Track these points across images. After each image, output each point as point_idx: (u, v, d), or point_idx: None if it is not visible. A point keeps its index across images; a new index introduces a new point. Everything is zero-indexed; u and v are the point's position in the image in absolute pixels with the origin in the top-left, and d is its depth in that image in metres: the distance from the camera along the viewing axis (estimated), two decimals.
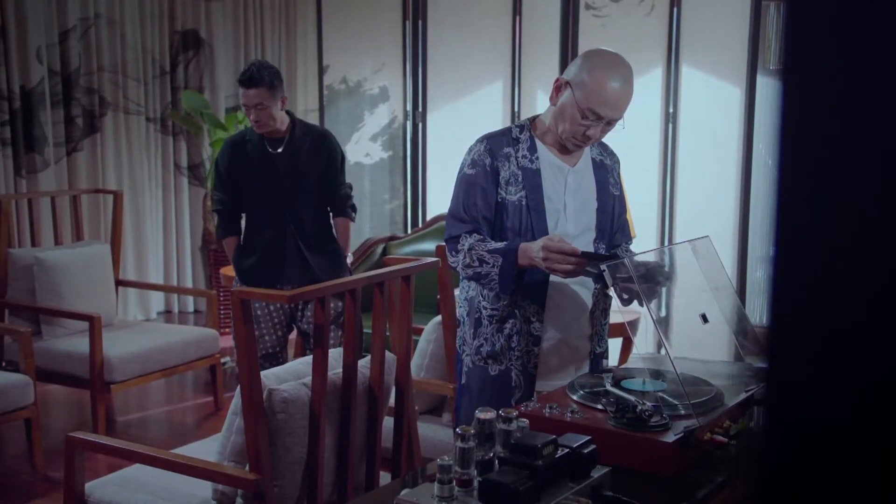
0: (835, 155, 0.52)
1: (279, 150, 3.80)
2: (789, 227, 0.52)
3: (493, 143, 2.30)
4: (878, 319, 0.51)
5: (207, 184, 6.27)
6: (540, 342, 2.30)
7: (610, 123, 2.24)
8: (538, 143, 2.32)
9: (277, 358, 3.83)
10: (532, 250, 2.13)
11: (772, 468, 0.55)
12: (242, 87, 3.71)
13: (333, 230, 3.95)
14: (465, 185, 2.29)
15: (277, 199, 3.79)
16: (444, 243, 2.38)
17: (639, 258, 2.11)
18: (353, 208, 3.97)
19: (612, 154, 2.47)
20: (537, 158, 2.30)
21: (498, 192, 2.27)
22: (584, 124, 2.21)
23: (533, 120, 2.38)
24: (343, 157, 3.96)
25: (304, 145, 3.83)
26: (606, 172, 2.41)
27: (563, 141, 2.28)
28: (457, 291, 2.50)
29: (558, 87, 2.27)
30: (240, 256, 3.88)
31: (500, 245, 2.22)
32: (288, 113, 3.84)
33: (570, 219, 2.31)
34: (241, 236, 3.94)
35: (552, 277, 2.26)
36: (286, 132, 3.81)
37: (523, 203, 2.26)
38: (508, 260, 2.18)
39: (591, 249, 2.33)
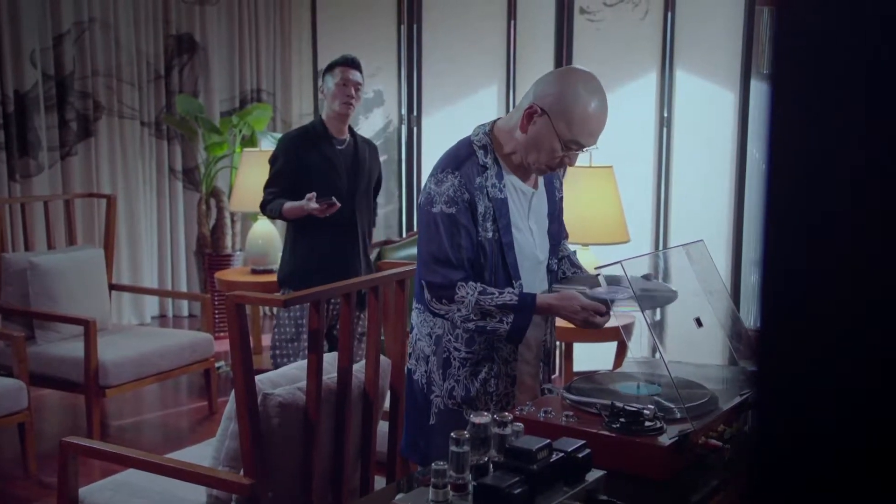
0: (823, 159, 0.52)
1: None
2: (778, 232, 0.53)
3: (466, 176, 2.11)
4: (868, 322, 0.52)
5: (202, 188, 6.27)
6: (516, 381, 2.23)
7: (586, 149, 2.15)
8: (503, 168, 2.17)
9: None
10: (569, 310, 2.10)
11: (763, 471, 0.55)
12: (342, 67, 3.84)
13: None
14: (448, 226, 2.10)
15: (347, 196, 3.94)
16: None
17: (643, 285, 2.06)
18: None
19: None
20: (504, 186, 2.16)
21: (478, 230, 2.13)
22: (562, 154, 2.10)
23: (491, 130, 2.20)
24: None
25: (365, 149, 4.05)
26: (552, 176, 2.32)
27: (533, 169, 2.16)
28: (413, 317, 2.30)
29: (531, 115, 2.09)
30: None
31: (509, 299, 2.09)
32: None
33: (538, 244, 2.23)
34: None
35: None
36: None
37: (496, 239, 2.14)
38: (523, 316, 2.09)
39: (544, 267, 2.28)
